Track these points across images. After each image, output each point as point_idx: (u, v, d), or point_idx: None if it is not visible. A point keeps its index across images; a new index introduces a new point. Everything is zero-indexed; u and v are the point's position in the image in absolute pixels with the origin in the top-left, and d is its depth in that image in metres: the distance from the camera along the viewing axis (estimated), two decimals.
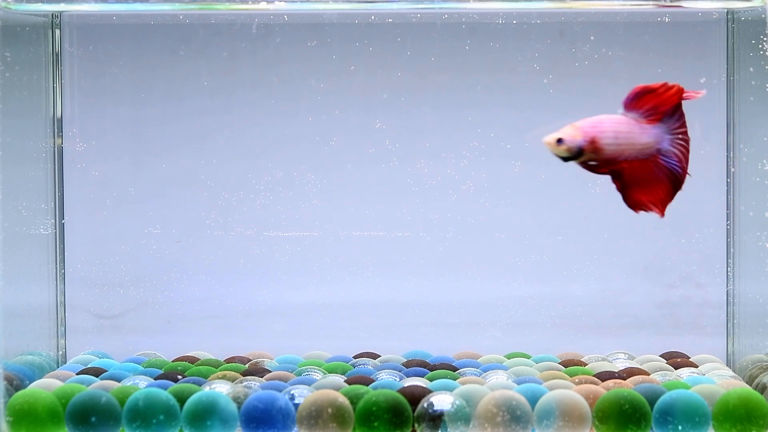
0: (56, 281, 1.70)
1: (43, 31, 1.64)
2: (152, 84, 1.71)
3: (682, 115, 1.39)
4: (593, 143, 1.36)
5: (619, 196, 1.70)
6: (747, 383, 1.53)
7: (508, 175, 1.70)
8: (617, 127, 1.37)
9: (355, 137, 1.70)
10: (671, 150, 1.38)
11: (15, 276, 1.53)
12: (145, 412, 1.40)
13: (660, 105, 1.38)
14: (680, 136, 1.39)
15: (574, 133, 1.36)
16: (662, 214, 1.40)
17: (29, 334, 1.64)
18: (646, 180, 1.39)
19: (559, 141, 1.36)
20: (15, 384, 1.50)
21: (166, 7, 1.61)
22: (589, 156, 1.37)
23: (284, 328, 1.73)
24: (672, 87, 1.37)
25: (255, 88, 1.70)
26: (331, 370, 1.59)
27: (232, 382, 1.49)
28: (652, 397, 1.40)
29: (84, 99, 1.70)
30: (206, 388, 1.45)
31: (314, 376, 1.54)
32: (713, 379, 1.51)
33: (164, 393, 1.41)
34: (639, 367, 1.59)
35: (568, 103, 1.69)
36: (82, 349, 1.71)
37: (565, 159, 1.37)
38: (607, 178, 1.69)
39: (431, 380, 1.51)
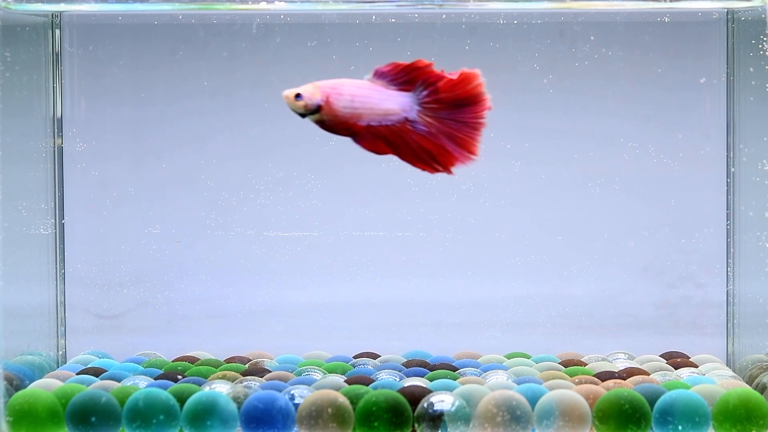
0: (56, 281, 1.70)
1: (43, 31, 1.64)
2: (152, 84, 1.71)
3: (437, 90, 1.40)
4: (330, 104, 1.38)
5: (618, 197, 1.71)
6: (747, 383, 1.53)
7: (508, 175, 1.70)
8: (356, 91, 1.39)
9: None
10: (418, 120, 1.40)
11: (15, 276, 1.53)
12: (145, 412, 1.40)
13: (410, 78, 1.40)
14: (430, 108, 1.40)
15: (313, 90, 1.39)
16: (432, 171, 1.42)
17: (29, 334, 1.64)
18: (398, 142, 1.41)
19: (298, 96, 1.38)
20: (15, 384, 1.50)
21: (166, 7, 1.61)
22: (325, 115, 1.39)
23: (284, 328, 1.73)
24: (424, 63, 1.40)
25: (255, 88, 1.70)
26: (331, 370, 1.59)
27: (232, 382, 1.49)
28: (652, 397, 1.40)
29: (84, 99, 1.70)
30: (206, 388, 1.45)
31: (314, 376, 1.54)
32: (713, 379, 1.51)
33: (164, 393, 1.41)
34: (639, 367, 1.59)
35: (568, 103, 1.69)
36: (82, 349, 1.71)
37: (302, 115, 1.40)
38: (606, 182, 1.70)
39: (431, 380, 1.51)
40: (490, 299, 1.72)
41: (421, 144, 1.41)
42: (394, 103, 1.40)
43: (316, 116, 1.39)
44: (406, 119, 1.40)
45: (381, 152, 1.42)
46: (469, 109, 1.41)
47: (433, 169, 1.42)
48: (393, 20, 1.66)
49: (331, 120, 1.39)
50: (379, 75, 1.40)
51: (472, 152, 1.42)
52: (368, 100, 1.39)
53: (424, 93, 1.40)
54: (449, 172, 1.42)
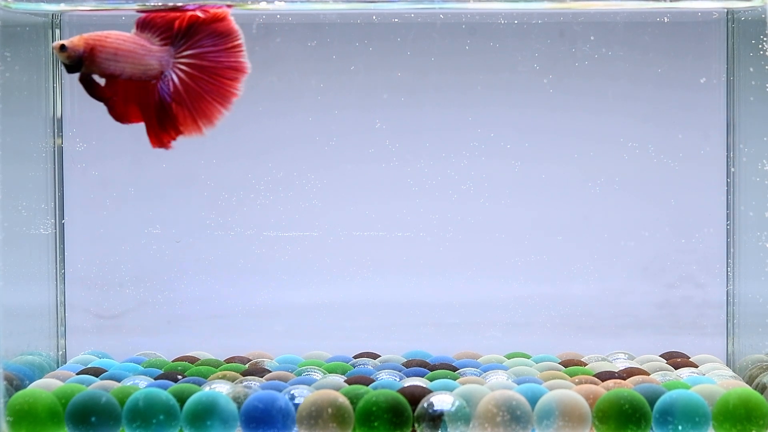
0: (56, 281, 1.70)
1: (43, 31, 1.64)
2: None
3: (194, 39, 1.38)
4: (93, 54, 1.35)
5: (618, 197, 1.71)
6: (747, 383, 1.53)
7: (508, 175, 1.70)
8: (121, 44, 1.36)
9: (355, 137, 1.70)
10: (170, 75, 1.37)
11: (15, 276, 1.53)
12: (145, 412, 1.40)
13: (168, 27, 1.37)
14: (185, 60, 1.38)
15: (77, 41, 1.36)
16: (153, 143, 1.39)
17: (29, 334, 1.64)
18: (139, 102, 1.38)
19: (63, 47, 1.36)
20: (15, 384, 1.50)
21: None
22: (89, 68, 1.36)
23: (284, 328, 1.73)
24: (182, 13, 1.37)
25: (255, 88, 1.70)
26: (331, 370, 1.59)
27: (232, 382, 1.49)
28: (652, 397, 1.40)
29: (84, 99, 1.69)
30: (206, 388, 1.45)
31: (314, 376, 1.54)
32: (713, 379, 1.51)
33: (164, 393, 1.41)
34: (639, 367, 1.59)
35: (568, 103, 1.69)
36: (82, 349, 1.71)
37: (69, 68, 1.37)
38: (606, 181, 1.70)
39: (431, 380, 1.51)
40: (490, 299, 1.72)
41: (156, 100, 1.38)
42: (153, 59, 1.37)
43: (82, 69, 1.36)
44: (162, 74, 1.37)
45: (131, 120, 1.39)
46: (226, 53, 1.38)
47: (172, 134, 1.38)
48: (391, 20, 1.66)
49: (94, 72, 1.36)
50: (141, 26, 1.38)
51: (233, 92, 1.39)
52: (131, 54, 1.36)
53: (181, 44, 1.37)
54: (206, 126, 1.39)
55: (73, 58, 1.35)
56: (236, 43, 1.38)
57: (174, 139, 1.39)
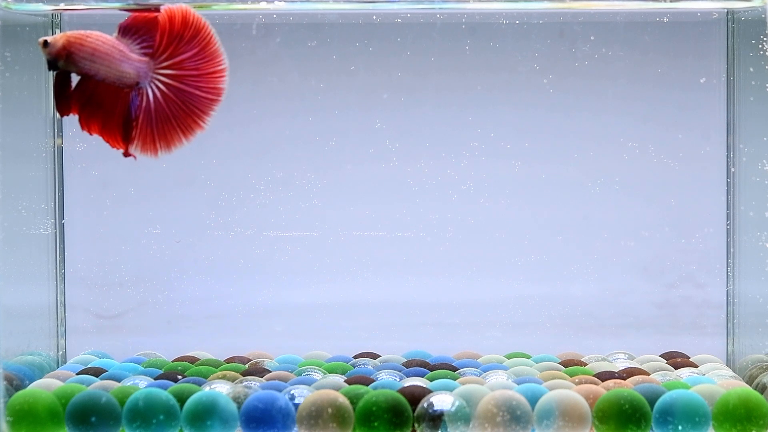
0: (56, 281, 1.70)
1: (43, 31, 1.64)
2: None
3: (176, 56, 1.36)
4: (70, 53, 1.35)
5: (619, 197, 1.71)
6: (747, 383, 1.53)
7: (508, 175, 1.70)
8: (99, 45, 1.35)
9: (355, 137, 1.70)
10: (145, 88, 1.36)
11: (15, 276, 1.53)
12: (145, 412, 1.40)
13: (150, 37, 1.36)
14: (163, 77, 1.36)
15: (59, 38, 1.35)
16: (126, 152, 1.38)
17: (29, 334, 1.64)
18: (107, 108, 1.36)
19: (46, 43, 1.35)
20: (15, 384, 1.50)
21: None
22: (66, 66, 1.35)
23: (284, 328, 1.73)
24: (155, 14, 1.35)
25: (255, 87, 1.70)
26: (331, 370, 1.59)
27: (232, 382, 1.49)
28: (652, 397, 1.40)
29: None
30: (206, 388, 1.45)
31: (314, 376, 1.54)
32: (713, 379, 1.51)
33: (164, 393, 1.41)
34: (639, 367, 1.59)
35: (568, 102, 1.69)
36: (82, 349, 1.71)
37: (51, 64, 1.35)
38: (606, 182, 1.70)
39: (431, 380, 1.51)
40: (490, 299, 1.72)
41: (125, 111, 1.36)
42: (130, 67, 1.35)
43: (62, 64, 1.35)
44: (138, 84, 1.36)
45: (94, 108, 1.37)
46: (207, 78, 1.37)
47: (126, 147, 1.37)
48: (398, 20, 1.66)
49: (72, 70, 1.35)
50: (123, 31, 1.36)
51: (200, 124, 1.38)
52: (107, 58, 1.35)
53: (162, 58, 1.36)
54: (162, 151, 1.38)
55: (53, 53, 1.35)
56: (219, 68, 1.38)
57: (176, 141, 1.39)
